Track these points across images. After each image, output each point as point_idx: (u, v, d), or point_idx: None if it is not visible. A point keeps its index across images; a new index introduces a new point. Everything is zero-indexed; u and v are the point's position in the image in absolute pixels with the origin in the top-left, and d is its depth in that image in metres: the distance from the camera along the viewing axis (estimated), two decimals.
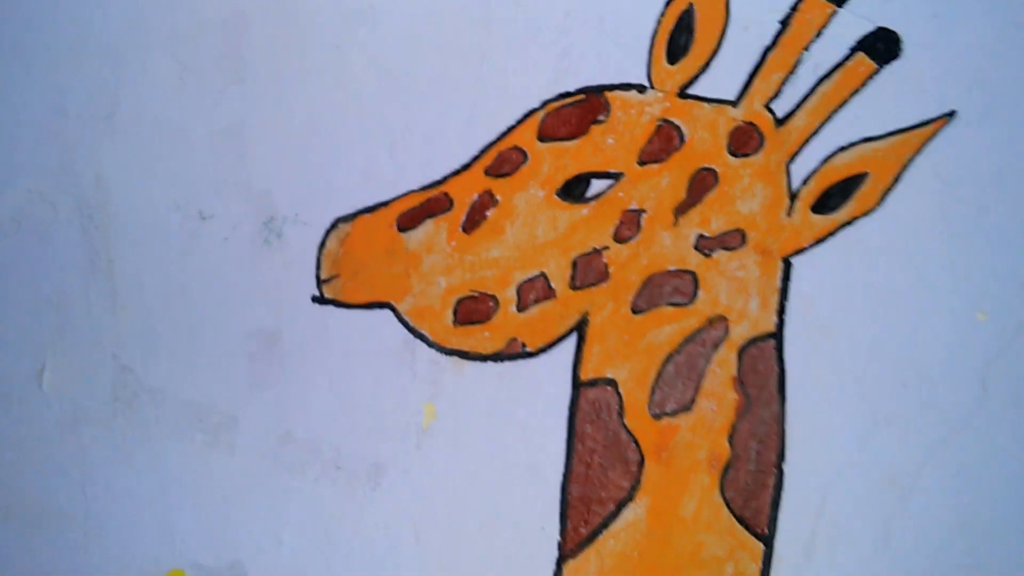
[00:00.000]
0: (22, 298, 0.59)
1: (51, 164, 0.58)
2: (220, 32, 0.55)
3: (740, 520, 0.48)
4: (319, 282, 0.56)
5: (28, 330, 0.59)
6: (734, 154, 0.50)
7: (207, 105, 0.56)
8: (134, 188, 0.58)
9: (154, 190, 0.57)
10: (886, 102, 0.49)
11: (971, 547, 0.47)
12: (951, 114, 0.48)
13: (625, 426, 0.50)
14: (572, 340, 0.53)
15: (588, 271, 0.50)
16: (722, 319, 0.49)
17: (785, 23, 0.49)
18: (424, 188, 0.54)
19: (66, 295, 0.58)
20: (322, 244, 0.56)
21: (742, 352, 0.49)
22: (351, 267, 0.54)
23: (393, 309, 0.55)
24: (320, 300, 0.55)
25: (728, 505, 0.48)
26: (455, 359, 0.53)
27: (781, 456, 0.48)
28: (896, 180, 0.49)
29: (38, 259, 0.59)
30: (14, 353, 0.59)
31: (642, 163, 0.51)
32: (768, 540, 0.48)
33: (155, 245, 0.57)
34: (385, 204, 0.55)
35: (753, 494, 0.48)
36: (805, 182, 0.50)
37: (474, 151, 0.54)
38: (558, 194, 0.52)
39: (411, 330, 0.54)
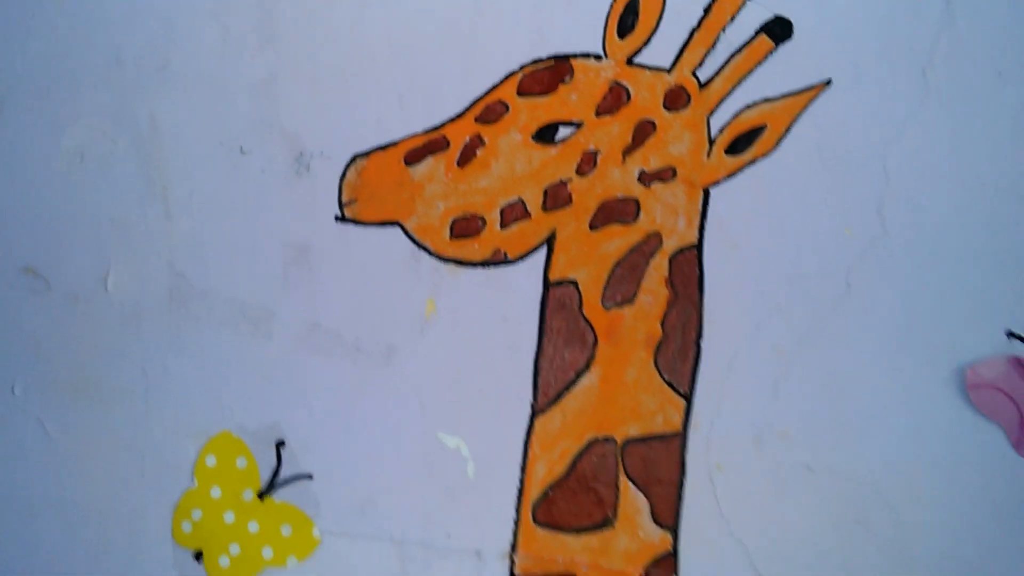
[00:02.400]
0: (88, 218, 0.70)
1: (110, 106, 0.69)
2: (256, 1, 0.67)
3: (668, 383, 0.65)
4: (340, 205, 0.68)
5: (93, 244, 0.70)
6: (668, 109, 0.65)
7: (245, 61, 0.68)
8: (183, 128, 0.69)
9: (201, 130, 0.69)
10: (781, 72, 0.64)
11: (837, 402, 0.63)
12: (828, 81, 0.64)
13: (583, 315, 0.66)
14: (543, 251, 0.67)
15: (556, 198, 0.66)
16: (657, 234, 0.65)
17: (707, 10, 0.64)
18: (426, 131, 0.67)
19: (126, 215, 0.70)
20: (343, 175, 0.68)
21: (672, 259, 0.65)
22: (367, 193, 0.68)
23: (401, 227, 0.68)
24: (341, 219, 0.68)
25: (660, 373, 0.65)
26: (451, 266, 0.68)
27: (699, 335, 0.65)
28: (787, 130, 0.64)
29: (101, 186, 0.70)
30: (82, 262, 0.70)
31: (598, 115, 0.66)
32: (688, 397, 0.64)
33: (203, 174, 0.69)
34: (394, 144, 0.68)
35: (678, 364, 0.65)
36: (721, 131, 0.65)
37: (466, 103, 0.67)
38: (533, 138, 0.66)
39: (416, 243, 0.68)
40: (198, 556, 0.66)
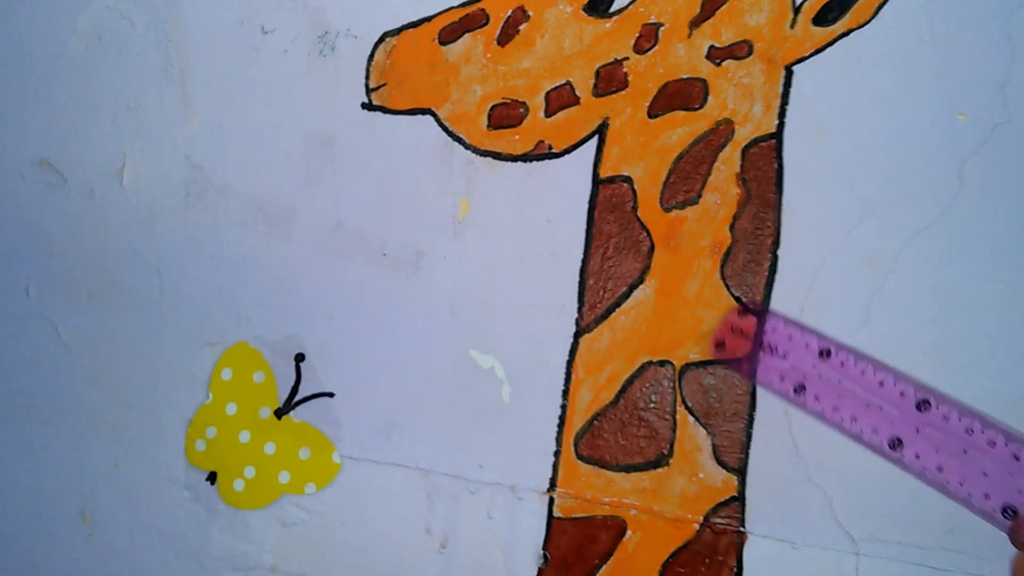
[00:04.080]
0: (103, 104, 0.66)
1: None
2: None
3: (736, 299, 0.53)
4: (368, 90, 0.62)
5: (109, 132, 0.67)
6: None
7: None
8: (203, 6, 0.64)
9: (220, 7, 0.64)
10: None
11: (943, 324, 0.51)
12: None
13: (638, 218, 0.55)
14: (593, 142, 0.56)
15: (610, 80, 0.55)
16: (728, 122, 0.54)
17: None
18: (463, 4, 0.60)
19: (142, 101, 0.65)
20: (371, 56, 0.62)
21: (745, 151, 0.54)
22: (396, 77, 0.59)
23: (434, 115, 0.61)
24: (369, 107, 0.60)
25: (727, 286, 0.53)
26: (488, 159, 0.58)
27: (776, 243, 0.53)
28: None
29: (117, 69, 0.66)
30: (96, 152, 0.65)
31: None
32: (761, 316, 0.53)
33: (222, 57, 0.64)
34: (428, 19, 0.60)
35: (749, 276, 0.53)
36: None
37: None
38: (584, 10, 0.57)
39: (449, 133, 0.60)
40: (211, 478, 0.59)
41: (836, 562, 0.52)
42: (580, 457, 0.56)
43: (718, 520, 0.54)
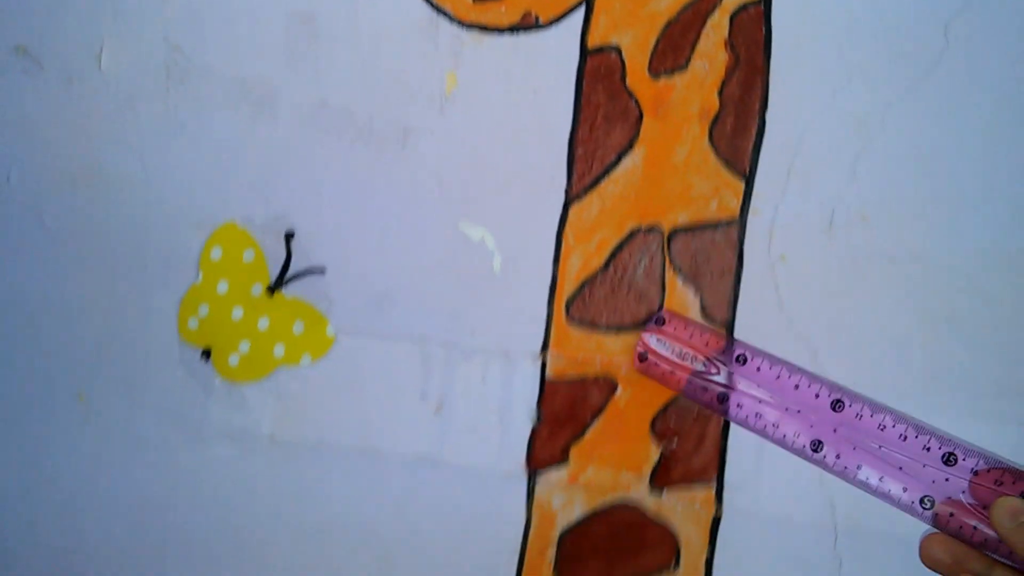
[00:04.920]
0: None
1: None
2: None
3: (725, 163, 0.54)
4: None
5: (85, 16, 0.65)
6: None
7: None
8: None
9: None
10: None
11: (929, 180, 0.52)
12: None
13: (627, 87, 0.55)
14: (580, 11, 0.55)
15: None
16: None
17: None
18: None
19: None
20: None
21: (733, 17, 0.54)
22: None
23: None
24: None
25: (715, 151, 0.54)
26: (474, 33, 0.57)
27: (764, 106, 0.54)
28: None
29: None
30: (73, 37, 0.64)
31: None
32: (749, 179, 0.54)
33: None
34: None
35: (737, 140, 0.54)
36: None
37: None
38: None
39: (434, 7, 0.59)
40: (206, 354, 0.59)
41: None
42: (571, 320, 0.57)
43: (708, 371, 0.55)
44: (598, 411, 0.57)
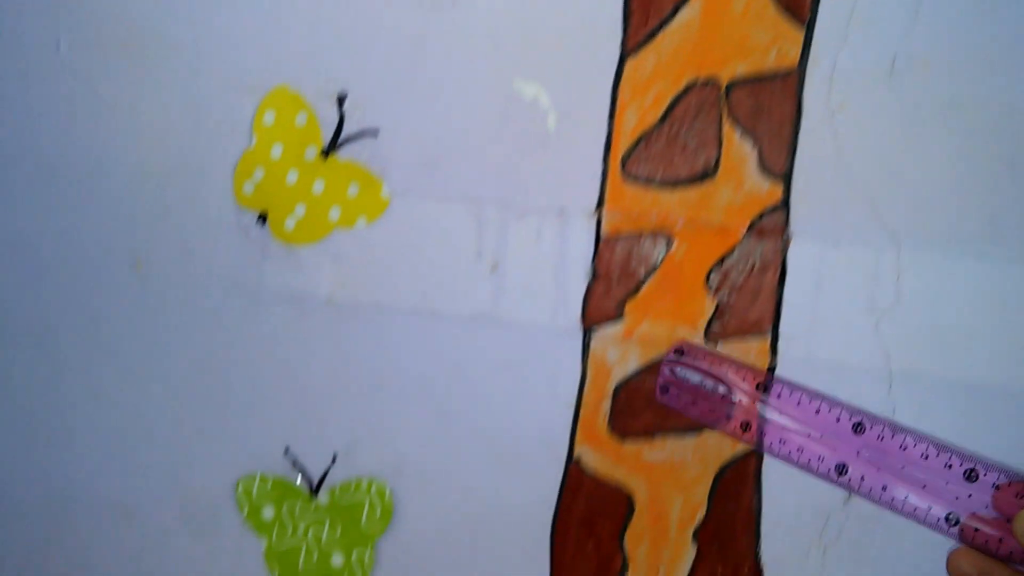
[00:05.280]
0: None
1: None
2: None
3: (785, 11, 0.53)
4: None
5: None
6: None
7: None
8: None
9: None
10: None
11: (991, 24, 0.51)
12: None
13: None
14: None
15: None
16: None
17: None
18: None
19: None
20: None
21: None
22: None
23: None
24: None
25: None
26: None
27: None
28: None
29: None
30: None
31: None
32: (809, 27, 0.53)
33: None
34: None
35: None
36: None
37: None
38: None
39: None
40: (262, 219, 0.59)
41: (876, 258, 0.54)
42: (627, 176, 0.57)
43: (763, 226, 0.55)
44: (653, 266, 0.57)
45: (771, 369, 0.56)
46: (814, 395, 0.53)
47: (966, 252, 0.52)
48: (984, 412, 0.53)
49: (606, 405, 0.60)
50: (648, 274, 0.58)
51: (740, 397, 0.56)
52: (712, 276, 0.57)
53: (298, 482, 0.65)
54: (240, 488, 0.66)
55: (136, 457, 0.67)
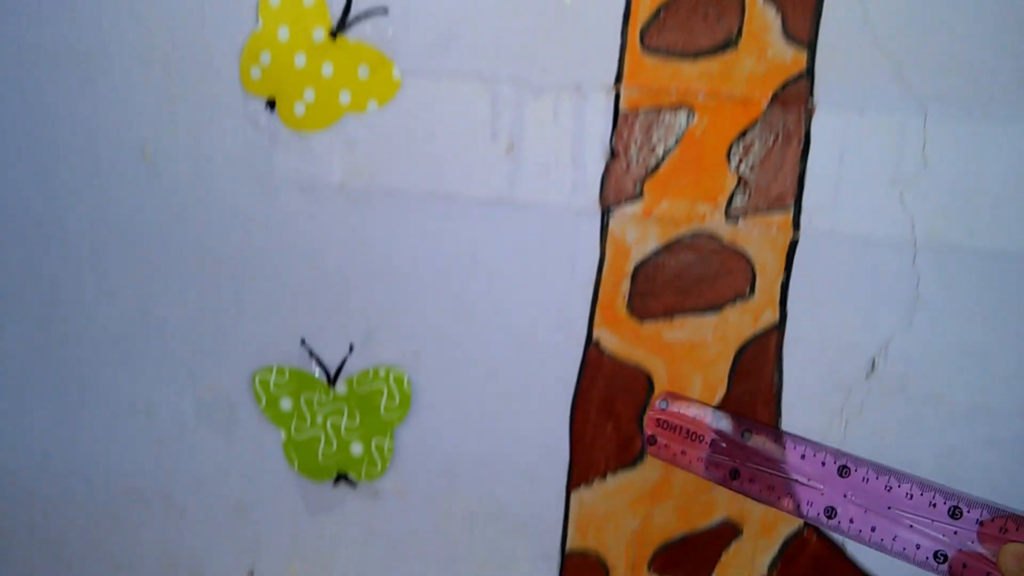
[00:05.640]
0: None
1: None
2: None
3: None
4: None
5: None
6: None
7: None
8: None
9: None
10: None
11: None
12: None
13: None
14: None
15: None
16: None
17: None
18: None
19: None
20: None
21: None
22: None
23: None
24: None
25: None
26: None
27: None
28: None
29: None
30: None
31: None
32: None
33: None
34: None
35: None
36: None
37: None
38: None
39: None
40: (271, 104, 0.57)
41: (902, 126, 0.52)
42: (646, 48, 0.55)
43: (787, 96, 0.53)
44: (674, 142, 0.56)
45: (794, 242, 0.55)
46: (797, 440, 0.55)
47: (994, 117, 0.51)
48: (1010, 280, 0.53)
49: (625, 286, 0.59)
50: (668, 150, 0.57)
51: (726, 445, 0.57)
52: (734, 150, 0.56)
53: (316, 373, 0.64)
54: (257, 380, 0.65)
55: (149, 352, 0.66)
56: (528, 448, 0.62)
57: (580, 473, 0.61)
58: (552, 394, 0.61)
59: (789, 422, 0.57)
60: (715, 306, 0.57)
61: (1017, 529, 0.49)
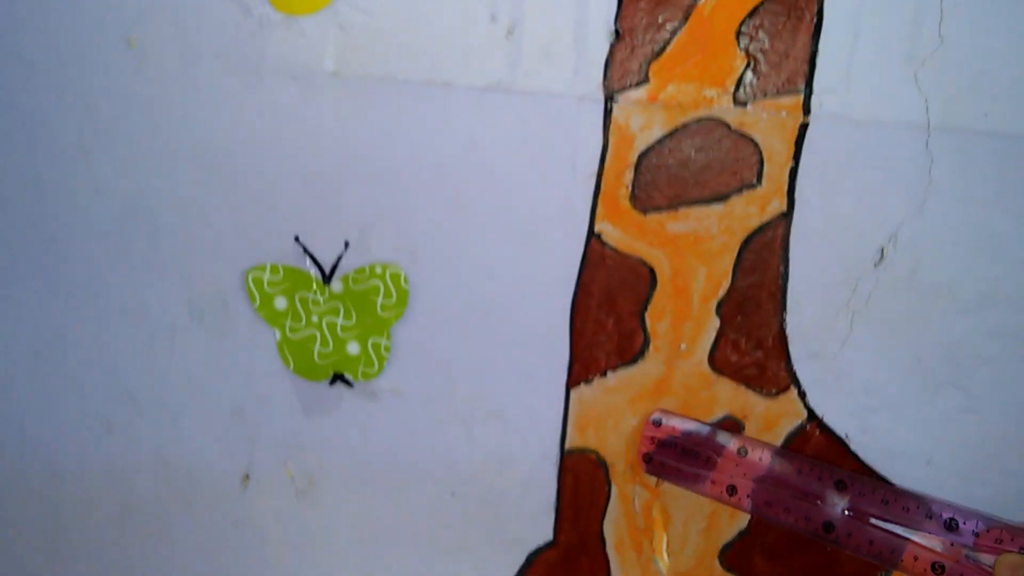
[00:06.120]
0: None
1: None
2: None
3: None
4: None
5: None
6: None
7: None
8: None
9: None
10: None
11: None
12: None
13: None
14: None
15: None
16: None
17: None
18: None
19: None
20: None
21: None
22: None
23: None
24: None
25: None
26: None
27: None
28: None
29: None
30: None
31: None
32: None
33: None
34: None
35: None
36: None
37: None
38: None
39: None
40: None
41: (917, 1, 0.50)
42: None
43: None
44: (680, 22, 0.53)
45: (804, 126, 0.53)
46: (793, 456, 0.55)
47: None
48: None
49: (628, 176, 0.57)
50: (675, 31, 0.54)
51: (724, 461, 0.56)
52: (743, 29, 0.53)
53: (311, 271, 0.62)
54: (250, 279, 0.63)
55: (138, 250, 0.65)
56: (527, 346, 0.60)
57: (580, 370, 0.59)
58: (552, 290, 0.59)
59: (794, 316, 0.56)
60: (721, 196, 0.55)
61: (1012, 539, 0.49)
